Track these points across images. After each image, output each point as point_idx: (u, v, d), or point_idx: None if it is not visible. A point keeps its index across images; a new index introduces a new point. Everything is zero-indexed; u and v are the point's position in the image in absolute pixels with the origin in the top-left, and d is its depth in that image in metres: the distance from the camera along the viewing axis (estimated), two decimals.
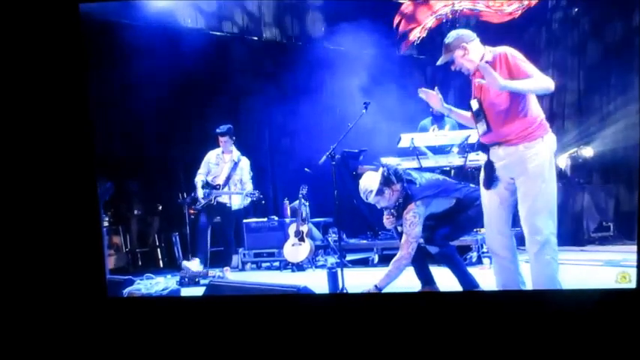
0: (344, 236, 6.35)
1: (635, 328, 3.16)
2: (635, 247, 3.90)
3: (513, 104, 3.51)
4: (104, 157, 5.81)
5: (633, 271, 3.61)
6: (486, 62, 3.56)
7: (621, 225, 6.76)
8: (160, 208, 7.52)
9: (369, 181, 4.23)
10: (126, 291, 4.54)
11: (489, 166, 3.66)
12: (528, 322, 3.28)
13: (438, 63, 3.74)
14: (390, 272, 4.10)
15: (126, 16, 6.57)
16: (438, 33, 7.47)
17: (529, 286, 3.62)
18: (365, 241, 6.69)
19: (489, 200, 3.71)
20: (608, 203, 6.92)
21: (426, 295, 4.14)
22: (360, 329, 3.48)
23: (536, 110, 3.56)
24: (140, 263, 7.22)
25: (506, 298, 3.67)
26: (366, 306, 3.81)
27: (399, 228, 4.29)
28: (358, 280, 5.10)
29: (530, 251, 3.54)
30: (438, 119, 6.70)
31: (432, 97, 3.87)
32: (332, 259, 6.47)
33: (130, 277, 4.92)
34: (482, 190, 3.74)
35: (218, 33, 7.45)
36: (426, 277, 4.28)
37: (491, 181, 3.65)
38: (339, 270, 4.53)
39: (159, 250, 7.43)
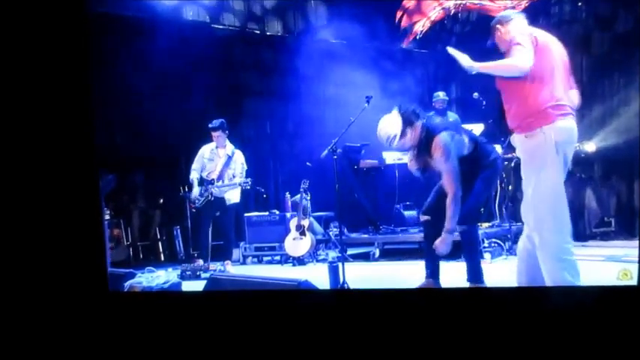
0: (345, 230, 6.35)
1: (636, 325, 3.15)
2: (636, 243, 3.89)
3: (513, 90, 3.45)
4: (106, 150, 5.81)
5: (635, 268, 3.59)
6: (515, 44, 3.46)
7: (623, 220, 6.76)
8: (162, 201, 7.53)
9: (390, 126, 4.03)
10: (127, 284, 4.54)
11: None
12: (529, 319, 3.27)
13: (488, 43, 3.72)
14: (452, 212, 3.90)
15: (127, 9, 6.55)
16: (441, 27, 7.46)
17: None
18: (366, 236, 6.70)
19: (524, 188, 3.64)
20: (610, 199, 6.92)
21: (427, 291, 4.13)
22: (361, 324, 3.48)
23: (542, 97, 3.40)
24: (141, 256, 7.24)
25: (507, 295, 3.66)
26: (367, 301, 3.81)
27: (423, 217, 4.23)
28: (359, 275, 5.12)
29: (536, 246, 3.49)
30: (441, 114, 6.68)
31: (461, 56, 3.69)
32: (333, 254, 6.47)
33: (132, 270, 4.93)
34: None
35: (220, 26, 7.43)
36: (433, 269, 4.19)
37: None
38: (340, 264, 4.53)
39: (160, 243, 7.44)
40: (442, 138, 3.93)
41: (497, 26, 3.61)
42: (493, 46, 3.70)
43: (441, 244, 3.94)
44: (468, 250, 4.14)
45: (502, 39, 3.59)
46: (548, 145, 3.37)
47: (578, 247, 6.01)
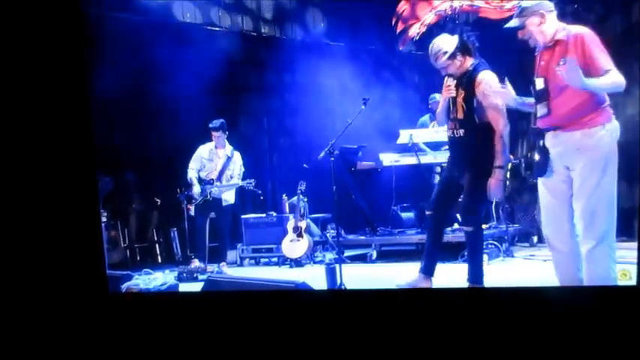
0: (342, 232, 6.34)
1: (636, 325, 3.16)
2: (635, 245, 3.90)
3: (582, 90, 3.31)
4: (103, 152, 5.80)
5: (633, 269, 3.60)
6: (557, 41, 3.38)
7: (619, 222, 6.74)
8: (159, 202, 7.51)
9: (446, 43, 3.95)
10: (124, 286, 4.54)
11: (543, 152, 3.47)
12: (528, 320, 3.28)
13: (507, 25, 3.53)
14: (502, 146, 3.84)
15: (123, 10, 6.54)
16: (437, 29, 7.46)
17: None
18: (363, 237, 6.69)
19: (544, 192, 3.55)
20: None
21: (424, 292, 4.13)
22: (359, 325, 3.48)
23: (602, 96, 3.36)
24: (138, 258, 7.22)
25: (506, 296, 3.66)
26: (364, 302, 3.81)
27: (428, 212, 4.18)
28: (356, 276, 5.12)
29: (584, 248, 3.43)
30: None
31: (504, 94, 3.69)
32: (330, 255, 6.47)
33: (129, 272, 4.92)
34: (539, 181, 3.57)
35: (217, 28, 7.42)
36: (429, 265, 4.16)
37: (544, 169, 3.47)
38: (337, 266, 4.53)
39: (157, 245, 7.43)
40: (490, 74, 3.88)
41: (542, 12, 3.39)
42: (509, 31, 3.51)
43: (495, 181, 3.84)
44: (472, 251, 4.11)
45: (540, 28, 3.41)
46: (611, 142, 3.38)
47: None
